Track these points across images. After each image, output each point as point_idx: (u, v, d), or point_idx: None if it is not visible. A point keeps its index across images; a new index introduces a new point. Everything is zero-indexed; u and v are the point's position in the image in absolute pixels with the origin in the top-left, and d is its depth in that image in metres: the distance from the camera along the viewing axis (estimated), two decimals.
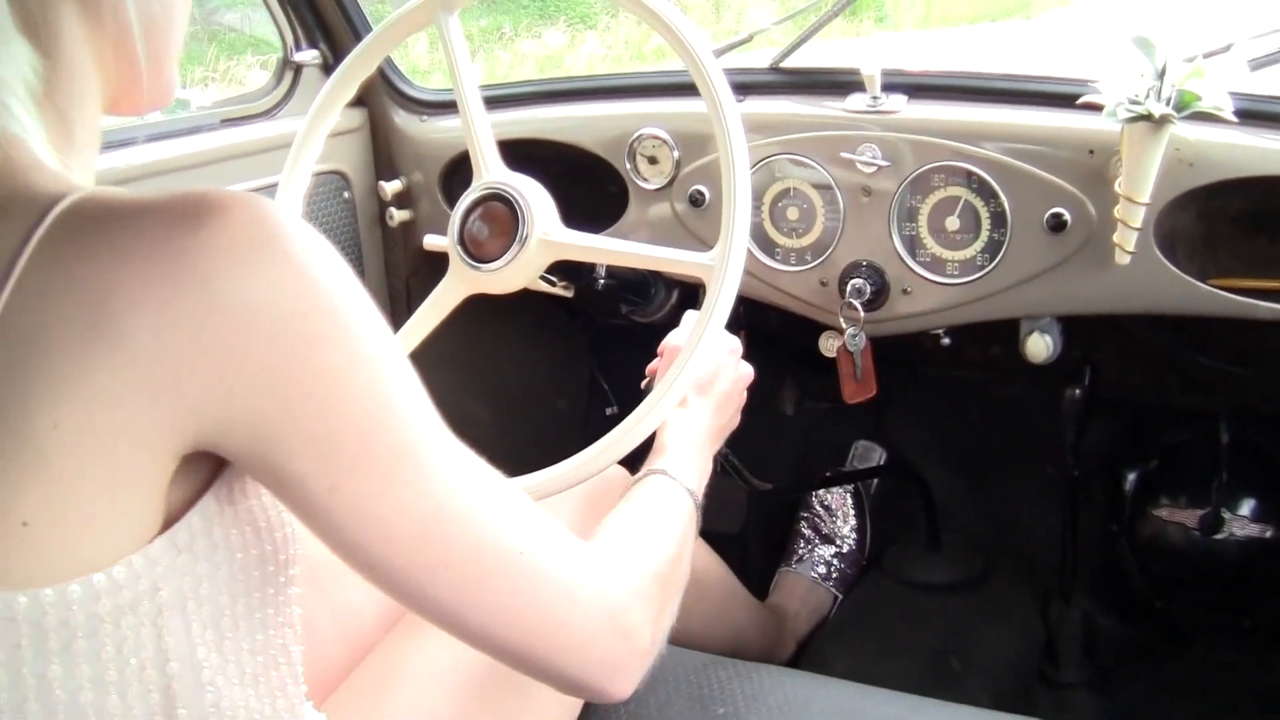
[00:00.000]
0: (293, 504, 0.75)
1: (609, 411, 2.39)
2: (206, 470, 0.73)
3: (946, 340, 1.70)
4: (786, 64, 1.76)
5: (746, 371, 1.37)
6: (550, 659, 0.86)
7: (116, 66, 0.81)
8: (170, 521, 0.70)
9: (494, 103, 1.58)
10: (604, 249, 1.38)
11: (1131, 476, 2.02)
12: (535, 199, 1.33)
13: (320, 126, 1.49)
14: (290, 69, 1.99)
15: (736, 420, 1.37)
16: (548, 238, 1.33)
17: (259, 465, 0.72)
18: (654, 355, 1.38)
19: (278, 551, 0.79)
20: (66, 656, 0.67)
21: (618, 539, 1.02)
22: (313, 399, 0.71)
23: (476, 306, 1.38)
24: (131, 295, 0.65)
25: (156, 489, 0.69)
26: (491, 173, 1.36)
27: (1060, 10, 8.90)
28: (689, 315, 1.42)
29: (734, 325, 1.24)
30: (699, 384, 1.28)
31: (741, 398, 1.36)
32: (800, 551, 2.10)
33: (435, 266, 1.41)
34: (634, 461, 1.21)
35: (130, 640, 0.69)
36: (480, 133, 1.37)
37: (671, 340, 1.37)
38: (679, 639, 1.38)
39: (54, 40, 0.76)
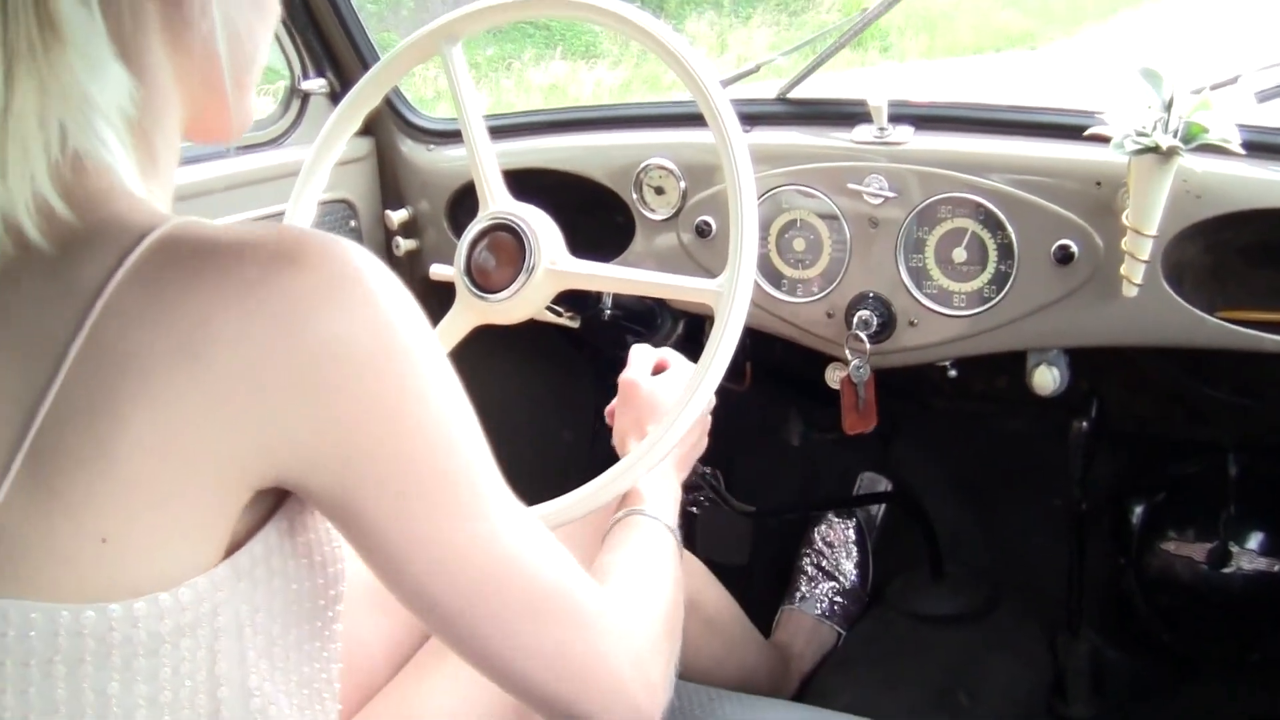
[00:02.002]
0: (358, 540, 0.77)
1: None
2: (270, 500, 0.76)
3: (953, 372, 1.70)
4: (793, 95, 1.76)
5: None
6: (580, 705, 0.87)
7: (201, 93, 0.83)
8: (234, 548, 0.73)
9: (499, 132, 1.59)
10: (611, 277, 1.38)
11: (1139, 509, 2.01)
12: (542, 229, 1.33)
13: (327, 155, 1.49)
14: (297, 97, 1.99)
15: (703, 445, 1.39)
16: (555, 267, 1.33)
17: (331, 501, 0.75)
18: None
19: (329, 586, 0.81)
20: (126, 674, 0.68)
21: (626, 587, 1.03)
22: (390, 438, 0.73)
23: (482, 336, 1.38)
24: (226, 326, 0.67)
25: (227, 516, 0.71)
26: (497, 202, 1.36)
27: (1064, 41, 8.94)
28: (636, 350, 1.43)
29: (739, 356, 1.24)
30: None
31: (706, 423, 1.37)
32: (803, 589, 2.09)
33: (441, 296, 1.41)
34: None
35: (187, 662, 0.70)
36: (485, 163, 1.37)
37: (626, 376, 1.38)
38: (688, 674, 1.38)
39: (143, 66, 0.77)
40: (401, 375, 0.73)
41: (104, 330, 0.67)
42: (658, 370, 1.41)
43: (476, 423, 0.80)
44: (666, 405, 1.31)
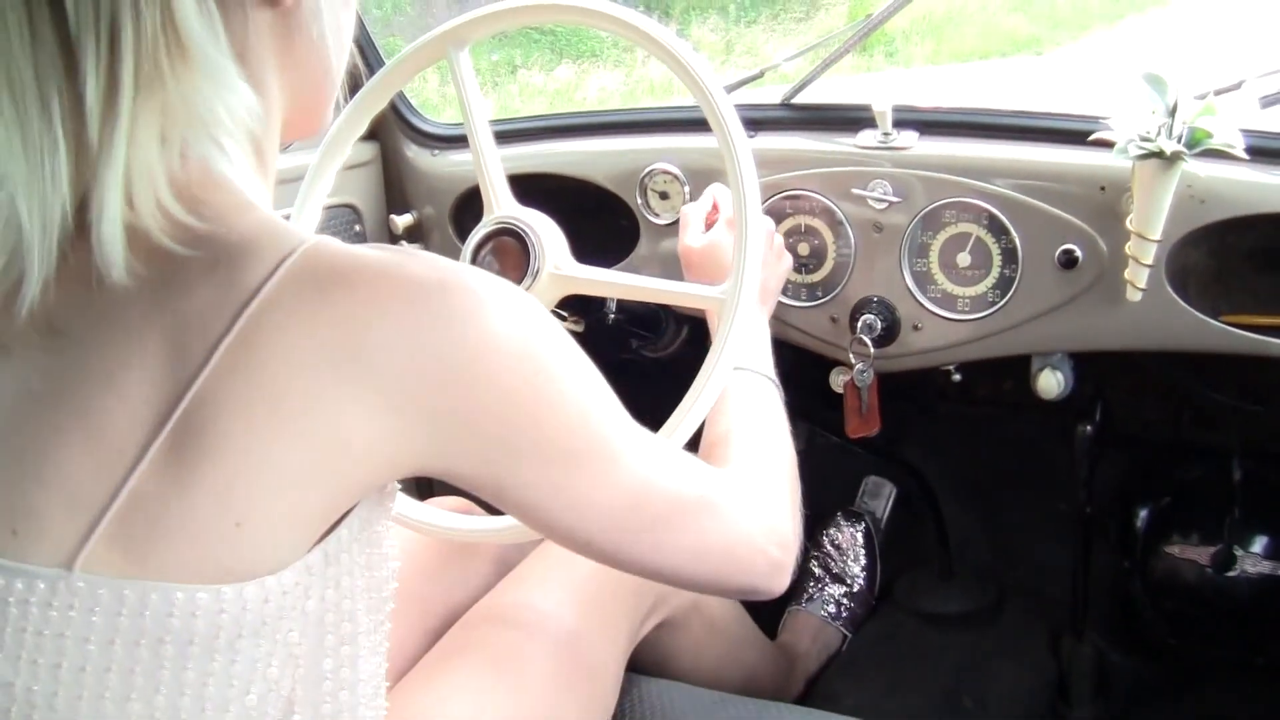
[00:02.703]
0: (511, 507, 0.87)
1: None
2: None
3: (957, 376, 1.70)
4: (798, 100, 1.76)
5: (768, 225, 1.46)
6: (729, 580, 1.01)
7: (304, 94, 0.87)
8: (324, 535, 0.77)
9: (505, 137, 1.59)
10: (615, 283, 1.38)
11: (1144, 513, 2.01)
12: (546, 233, 1.34)
13: (332, 160, 1.49)
14: None
15: (786, 262, 1.53)
16: (559, 272, 1.33)
17: (481, 481, 0.83)
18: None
19: (389, 579, 0.87)
20: (229, 654, 0.72)
21: (746, 457, 1.15)
22: (537, 425, 0.81)
23: None
24: (384, 336, 0.73)
25: (340, 507, 0.77)
26: (502, 207, 1.37)
27: (1071, 46, 8.93)
28: (685, 211, 1.53)
29: None
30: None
31: (774, 246, 1.48)
32: (810, 590, 2.08)
33: None
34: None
35: (281, 646, 0.75)
36: (491, 167, 1.38)
37: (681, 244, 1.49)
38: (692, 677, 1.37)
39: (260, 79, 0.81)
40: (543, 373, 0.81)
41: (260, 325, 0.71)
42: (710, 224, 1.49)
43: (606, 387, 0.88)
44: (726, 255, 1.39)
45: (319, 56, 0.86)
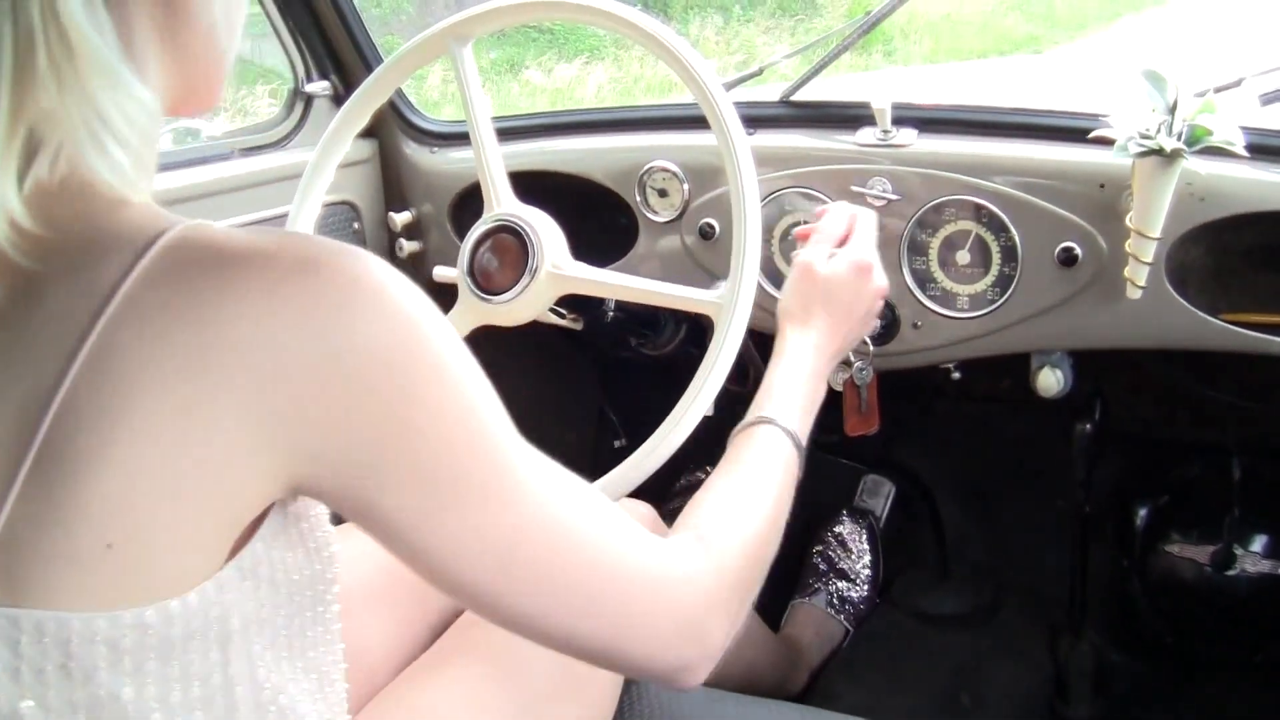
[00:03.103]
0: (383, 536, 0.77)
1: (617, 444, 2.38)
2: None
3: (957, 374, 1.70)
4: (797, 97, 1.76)
5: (879, 285, 1.34)
6: (627, 656, 0.88)
7: (192, 80, 0.82)
8: (237, 547, 0.72)
9: (504, 134, 1.58)
10: (613, 284, 1.38)
11: (1143, 511, 2.01)
12: (546, 232, 1.33)
13: (331, 157, 1.49)
14: (301, 100, 1.99)
15: (869, 324, 1.40)
16: (558, 271, 1.33)
17: (354, 503, 0.75)
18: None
19: (325, 570, 0.81)
20: (139, 677, 0.68)
21: (713, 524, 0.99)
22: (412, 439, 0.73)
23: (484, 337, 1.38)
24: (242, 334, 0.67)
25: (238, 521, 0.71)
26: (502, 204, 1.37)
27: (1068, 45, 8.94)
28: (825, 222, 1.40)
29: (742, 357, 1.24)
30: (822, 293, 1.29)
31: (873, 306, 1.35)
32: (814, 584, 2.09)
33: (444, 298, 1.40)
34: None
35: (199, 664, 0.70)
36: (492, 164, 1.38)
37: (803, 258, 1.34)
38: None
39: (146, 72, 0.76)
40: (422, 380, 0.73)
41: (117, 332, 0.66)
42: (842, 241, 1.38)
43: (500, 408, 0.80)
44: (838, 296, 1.30)
45: (208, 43, 0.80)
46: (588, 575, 0.83)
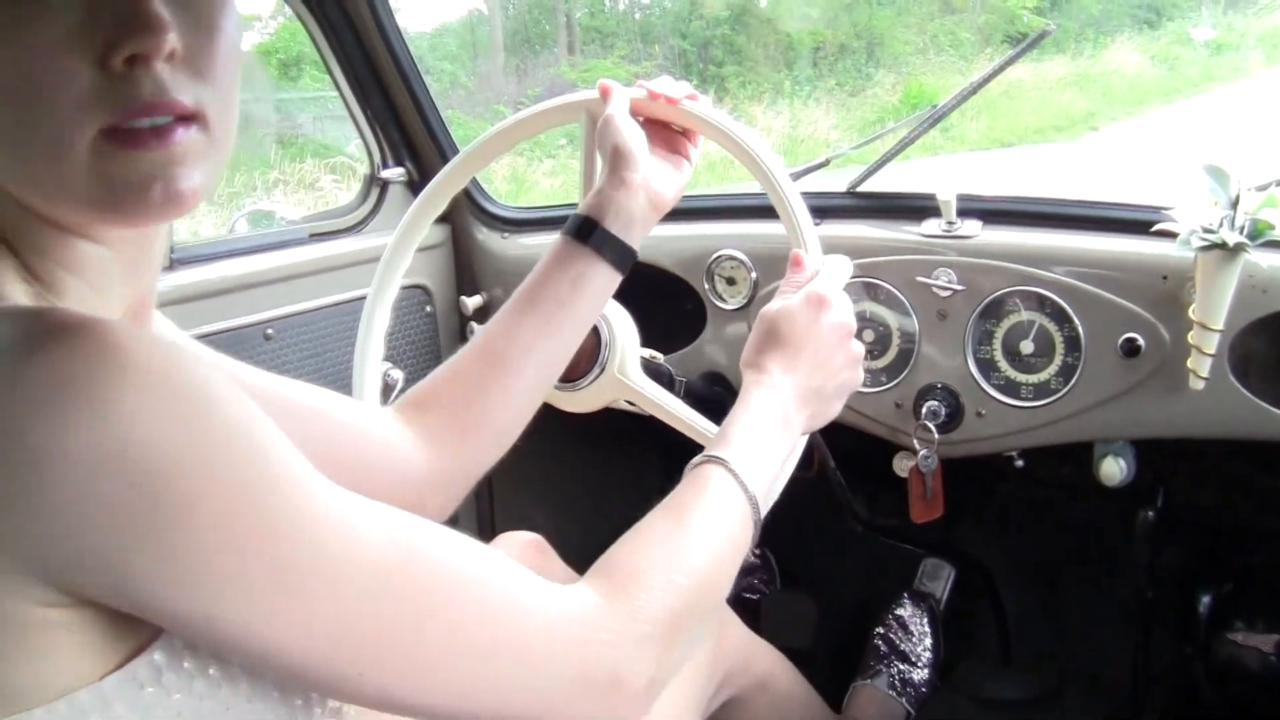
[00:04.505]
0: (234, 651, 0.69)
1: None
2: None
3: (1020, 462, 1.71)
4: (863, 188, 1.79)
5: (839, 320, 1.18)
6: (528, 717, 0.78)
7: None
8: (133, 656, 0.67)
9: None
10: (652, 400, 1.42)
11: (1206, 599, 2.00)
12: (622, 332, 1.37)
13: (410, 241, 1.53)
14: (377, 185, 2.05)
15: (855, 376, 1.20)
16: (620, 376, 1.36)
17: (189, 619, 0.66)
18: None
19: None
20: None
21: (630, 566, 0.89)
22: (178, 538, 0.63)
23: (547, 412, 1.40)
24: None
25: (69, 631, 0.64)
26: None
27: (1127, 123, 8.94)
28: (831, 269, 1.26)
29: (808, 443, 1.25)
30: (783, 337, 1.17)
31: (846, 349, 1.18)
32: (875, 665, 2.09)
33: None
34: None
35: None
36: None
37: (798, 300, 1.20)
38: None
39: None
40: (188, 472, 0.63)
41: None
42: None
43: (308, 478, 0.70)
44: (789, 330, 1.17)
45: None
46: (458, 639, 0.74)
